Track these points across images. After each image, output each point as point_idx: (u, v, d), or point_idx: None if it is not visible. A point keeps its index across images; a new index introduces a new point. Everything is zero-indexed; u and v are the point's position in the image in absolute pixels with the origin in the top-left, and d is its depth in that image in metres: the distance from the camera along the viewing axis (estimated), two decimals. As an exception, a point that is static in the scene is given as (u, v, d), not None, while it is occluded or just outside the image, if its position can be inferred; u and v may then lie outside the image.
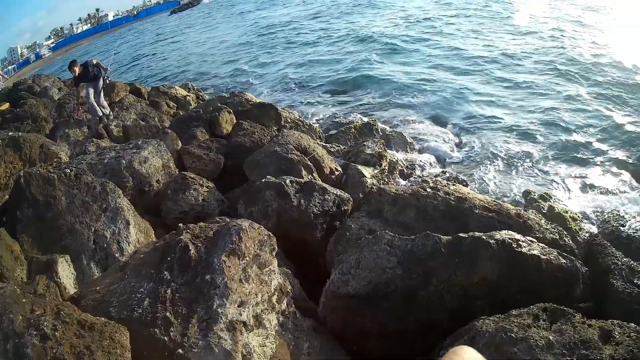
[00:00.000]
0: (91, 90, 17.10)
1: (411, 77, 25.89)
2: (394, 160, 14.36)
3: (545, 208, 11.22)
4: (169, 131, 13.56)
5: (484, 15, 41.26)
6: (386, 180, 12.54)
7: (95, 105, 17.09)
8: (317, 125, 18.41)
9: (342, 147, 14.77)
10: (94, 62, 17.61)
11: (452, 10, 45.67)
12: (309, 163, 11.07)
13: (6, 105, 24.47)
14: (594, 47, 27.53)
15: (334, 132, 17.41)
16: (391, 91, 23.93)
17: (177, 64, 45.94)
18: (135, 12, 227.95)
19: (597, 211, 12.11)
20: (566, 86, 22.10)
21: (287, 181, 9.19)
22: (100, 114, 17.23)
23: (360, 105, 22.92)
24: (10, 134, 12.59)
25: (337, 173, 11.72)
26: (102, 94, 17.70)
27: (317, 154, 11.72)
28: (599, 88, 21.47)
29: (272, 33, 51.01)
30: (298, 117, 17.54)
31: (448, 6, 48.71)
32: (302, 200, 8.87)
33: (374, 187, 10.16)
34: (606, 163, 15.84)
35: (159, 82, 35.47)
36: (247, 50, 43.71)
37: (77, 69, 16.92)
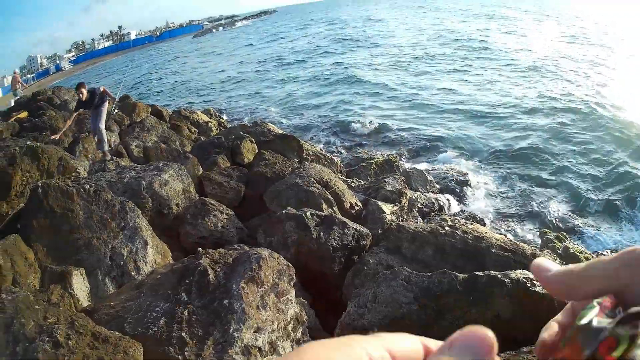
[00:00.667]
0: (95, 117, 16.75)
1: (423, 121, 26.07)
2: (414, 197, 14.46)
3: (561, 248, 11.39)
4: (191, 156, 13.67)
5: (487, 55, 41.75)
6: (405, 217, 12.61)
7: (104, 136, 16.75)
8: (339, 159, 18.47)
9: (363, 183, 14.87)
10: (102, 89, 17.06)
11: (462, 50, 46.41)
12: (329, 197, 11.16)
13: (24, 114, 24.72)
14: (602, 89, 27.90)
15: (355, 167, 17.50)
16: (411, 133, 24.06)
17: (199, 88, 46.26)
18: (158, 33, 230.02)
19: (611, 251, 12.15)
20: (575, 130, 22.39)
21: (308, 214, 9.29)
22: (107, 147, 16.87)
23: (377, 144, 23.04)
24: (28, 143, 12.60)
25: (357, 208, 11.81)
26: (103, 123, 17.00)
27: (337, 188, 11.82)
28: (605, 130, 21.85)
29: (289, 64, 51.52)
30: (319, 150, 17.64)
31: (453, 43, 49.44)
32: (321, 233, 8.96)
33: (393, 223, 10.24)
34: (619, 203, 16.06)
35: (179, 104, 35.78)
36: (267, 80, 44.00)
37: (85, 92, 16.52)
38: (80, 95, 16.43)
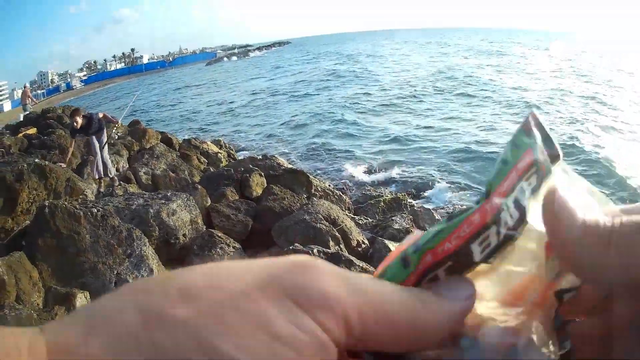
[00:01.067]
0: (96, 143, 16.26)
1: (429, 161, 26.07)
2: (421, 236, 14.45)
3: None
4: (199, 187, 13.61)
5: (489, 93, 42.20)
6: (411, 256, 12.60)
7: (109, 162, 16.52)
8: (347, 196, 18.46)
9: (370, 220, 14.86)
10: (100, 115, 16.62)
11: (464, 88, 46.85)
12: (336, 234, 11.18)
13: (33, 130, 24.85)
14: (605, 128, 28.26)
15: (363, 204, 17.52)
16: (419, 172, 24.09)
17: (209, 117, 46.24)
18: (170, 59, 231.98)
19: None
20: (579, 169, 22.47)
21: (315, 250, 9.29)
22: (114, 173, 16.67)
23: (386, 182, 23.03)
24: (36, 161, 12.54)
25: (363, 246, 11.82)
26: (106, 148, 16.68)
27: (345, 225, 11.85)
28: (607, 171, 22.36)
29: (299, 97, 51.65)
30: (328, 186, 17.66)
31: (457, 80, 49.96)
32: (327, 271, 8.94)
33: (399, 262, 10.23)
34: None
35: (188, 132, 35.93)
36: (276, 112, 43.92)
37: (79, 120, 15.75)
38: (75, 124, 15.80)
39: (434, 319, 0.59)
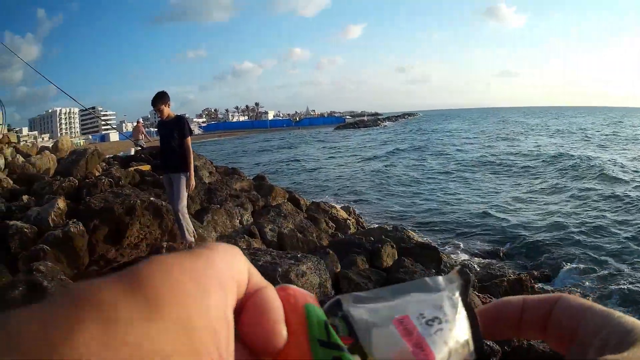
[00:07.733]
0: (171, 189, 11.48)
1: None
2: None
3: None
4: (331, 252, 13.75)
5: None
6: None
7: (186, 219, 11.44)
8: (472, 275, 18.19)
9: (493, 299, 14.71)
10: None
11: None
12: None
13: (147, 167, 24.72)
14: None
15: (487, 283, 17.40)
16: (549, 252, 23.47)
17: (336, 181, 45.41)
18: (297, 118, 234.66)
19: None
20: None
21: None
22: (190, 237, 11.36)
23: (512, 262, 22.61)
24: (152, 199, 12.36)
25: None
26: (183, 198, 11.43)
27: (473, 302, 11.77)
28: None
29: (437, 175, 49.82)
30: (456, 263, 17.70)
31: None
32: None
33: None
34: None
35: (315, 196, 35.71)
36: (409, 187, 42.96)
37: (166, 110, 11.32)
38: (159, 113, 11.38)
39: None
